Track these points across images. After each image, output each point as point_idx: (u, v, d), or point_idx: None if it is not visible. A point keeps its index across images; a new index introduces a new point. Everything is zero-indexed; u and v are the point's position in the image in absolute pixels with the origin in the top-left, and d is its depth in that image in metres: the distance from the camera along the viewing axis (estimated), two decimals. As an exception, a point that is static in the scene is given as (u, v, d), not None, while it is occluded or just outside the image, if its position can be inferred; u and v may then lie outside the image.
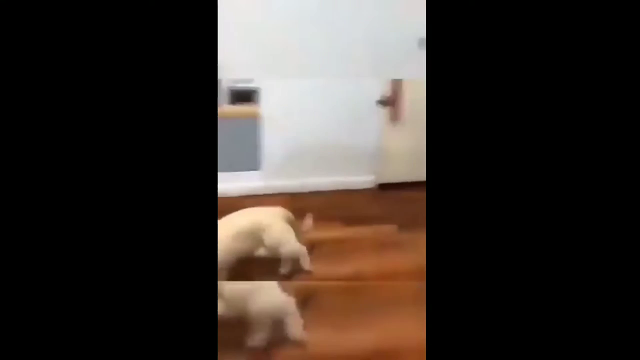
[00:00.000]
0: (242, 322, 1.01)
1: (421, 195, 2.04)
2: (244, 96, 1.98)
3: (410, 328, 1.05)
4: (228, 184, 1.81)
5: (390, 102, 2.01)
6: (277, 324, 1.01)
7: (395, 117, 2.03)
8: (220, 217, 1.21)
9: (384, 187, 2.09)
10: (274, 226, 1.20)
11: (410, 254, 1.49)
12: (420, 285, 1.25)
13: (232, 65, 1.62)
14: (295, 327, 1.01)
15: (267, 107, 1.89)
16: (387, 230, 1.66)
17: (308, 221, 1.29)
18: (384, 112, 2.01)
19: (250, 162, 1.96)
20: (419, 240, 1.56)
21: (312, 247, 1.28)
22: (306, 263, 1.19)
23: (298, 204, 1.77)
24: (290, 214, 1.27)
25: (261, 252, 1.21)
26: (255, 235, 1.19)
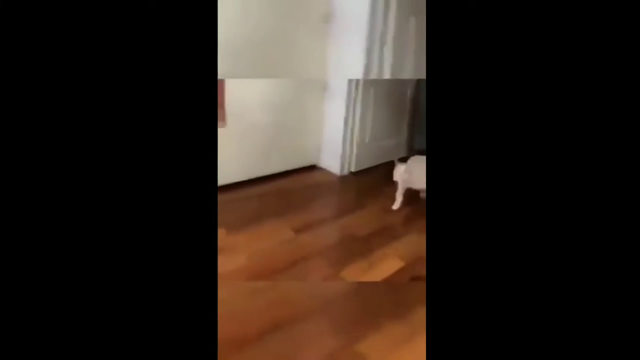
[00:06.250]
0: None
1: (248, 194, 2.06)
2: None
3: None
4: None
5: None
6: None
7: (220, 118, 1.99)
8: None
9: (214, 191, 2.03)
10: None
11: (238, 254, 1.48)
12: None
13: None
14: None
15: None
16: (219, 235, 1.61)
17: None
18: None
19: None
20: (247, 239, 1.59)
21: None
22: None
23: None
24: None
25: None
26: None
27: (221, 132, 2.00)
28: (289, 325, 1.12)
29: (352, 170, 2.43)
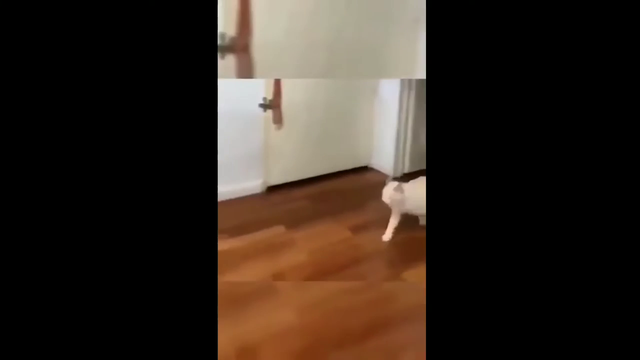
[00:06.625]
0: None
1: (304, 193, 2.09)
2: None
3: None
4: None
5: (273, 104, 2.01)
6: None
7: (278, 120, 2.04)
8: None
9: (271, 189, 2.10)
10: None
11: (298, 250, 1.52)
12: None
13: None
14: None
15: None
16: (275, 232, 1.66)
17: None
18: (266, 115, 2.00)
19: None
20: (306, 237, 1.62)
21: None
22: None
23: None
24: None
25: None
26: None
27: (278, 133, 2.05)
28: (388, 326, 1.13)
29: (406, 171, 2.41)
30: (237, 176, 2.00)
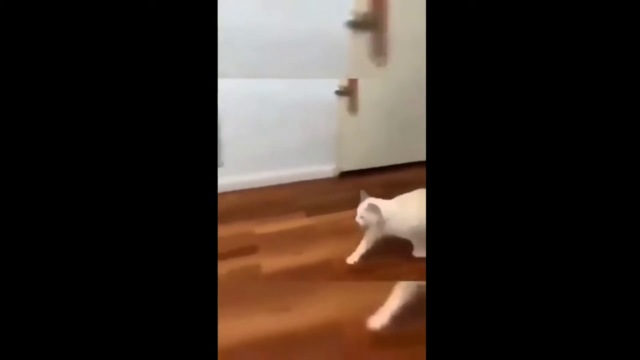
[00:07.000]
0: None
1: (377, 180, 2.08)
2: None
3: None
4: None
5: (348, 92, 2.03)
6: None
7: (352, 108, 2.06)
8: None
9: (344, 175, 2.14)
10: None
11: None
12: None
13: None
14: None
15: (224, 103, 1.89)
16: (347, 215, 1.69)
17: None
18: (341, 102, 2.04)
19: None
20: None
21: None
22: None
23: (262, 198, 1.78)
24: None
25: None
26: None
27: (353, 120, 2.08)
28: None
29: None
30: (310, 160, 2.07)
